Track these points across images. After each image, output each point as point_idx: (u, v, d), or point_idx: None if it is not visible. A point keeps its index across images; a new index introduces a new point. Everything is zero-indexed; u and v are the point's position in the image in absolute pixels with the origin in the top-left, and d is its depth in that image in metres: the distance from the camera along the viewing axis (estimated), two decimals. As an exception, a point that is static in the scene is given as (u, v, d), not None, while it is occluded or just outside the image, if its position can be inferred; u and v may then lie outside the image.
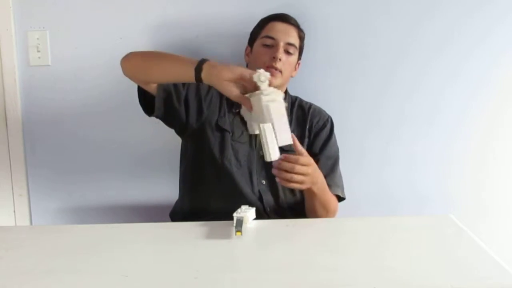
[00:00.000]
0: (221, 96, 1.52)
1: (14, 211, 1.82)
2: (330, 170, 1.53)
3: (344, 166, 1.57)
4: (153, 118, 1.46)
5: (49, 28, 1.72)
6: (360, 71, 1.74)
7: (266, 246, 1.17)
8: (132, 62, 1.37)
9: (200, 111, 1.50)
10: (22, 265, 1.05)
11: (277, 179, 1.27)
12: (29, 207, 1.83)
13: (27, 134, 1.78)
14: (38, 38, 1.72)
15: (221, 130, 1.49)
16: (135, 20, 1.71)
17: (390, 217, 1.41)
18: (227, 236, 1.17)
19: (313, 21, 1.68)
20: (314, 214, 1.45)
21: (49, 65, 1.74)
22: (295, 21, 1.57)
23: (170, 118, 1.48)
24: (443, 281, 0.96)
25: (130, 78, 1.39)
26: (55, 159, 1.80)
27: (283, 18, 1.55)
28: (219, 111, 1.52)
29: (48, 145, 1.79)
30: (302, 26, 1.58)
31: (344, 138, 1.62)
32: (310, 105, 1.61)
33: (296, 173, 1.25)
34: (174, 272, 1.03)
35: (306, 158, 1.27)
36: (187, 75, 1.21)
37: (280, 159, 1.21)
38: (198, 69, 1.19)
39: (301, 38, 1.57)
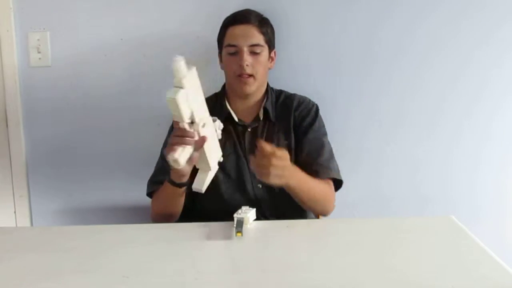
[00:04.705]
0: None
1: (15, 212, 1.82)
2: (316, 153, 1.48)
3: (343, 166, 1.57)
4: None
5: (50, 29, 1.72)
6: (359, 70, 1.74)
7: (266, 247, 1.17)
8: (157, 218, 1.48)
9: None
10: (22, 266, 1.05)
11: (256, 175, 1.27)
12: (29, 208, 1.83)
13: (28, 135, 1.78)
14: (38, 39, 1.72)
15: None
16: (136, 21, 1.71)
17: (390, 218, 1.41)
18: (228, 236, 1.17)
19: (309, 17, 1.69)
20: (309, 208, 1.44)
21: (49, 66, 1.74)
22: (256, 15, 1.51)
23: None
24: (444, 282, 0.96)
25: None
26: (56, 160, 1.80)
27: (240, 19, 1.50)
28: None
29: (48, 146, 1.79)
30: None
31: (343, 138, 1.63)
32: (295, 96, 1.58)
33: (274, 166, 1.22)
34: (174, 272, 1.03)
35: (280, 151, 1.23)
36: (176, 192, 1.35)
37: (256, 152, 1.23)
38: (178, 185, 1.33)
39: (264, 33, 1.50)
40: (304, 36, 1.70)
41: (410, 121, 1.77)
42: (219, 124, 1.29)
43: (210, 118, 1.26)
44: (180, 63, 1.14)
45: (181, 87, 1.12)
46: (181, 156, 1.18)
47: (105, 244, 1.17)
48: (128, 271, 1.02)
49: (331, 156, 1.51)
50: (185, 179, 1.31)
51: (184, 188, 1.34)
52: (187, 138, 1.17)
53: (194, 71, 1.17)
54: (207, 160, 1.25)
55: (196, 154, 1.21)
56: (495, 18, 1.70)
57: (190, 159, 1.20)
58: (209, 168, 1.26)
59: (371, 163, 1.79)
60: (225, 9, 1.62)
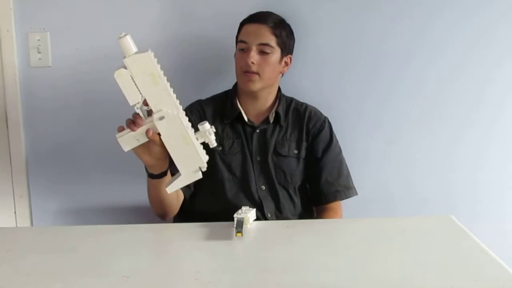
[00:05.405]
0: (202, 116, 1.52)
1: (15, 212, 1.82)
2: (338, 174, 1.54)
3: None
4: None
5: (50, 29, 1.72)
6: (361, 71, 1.74)
7: (266, 247, 1.17)
8: (156, 212, 1.46)
9: None
10: (22, 266, 1.05)
11: None
12: (29, 208, 1.83)
13: (28, 135, 1.78)
14: (38, 40, 1.72)
15: (209, 149, 1.42)
16: (136, 21, 1.71)
17: (390, 218, 1.41)
18: (228, 237, 1.17)
19: (315, 19, 1.69)
20: None
21: (49, 66, 1.74)
22: (273, 17, 1.52)
23: None
24: (443, 282, 0.97)
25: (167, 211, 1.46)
26: (56, 160, 1.80)
27: (255, 18, 1.51)
28: None
29: (48, 146, 1.79)
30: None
31: (344, 139, 1.62)
32: (306, 106, 1.59)
33: None
34: (174, 273, 1.03)
35: None
36: (154, 184, 1.33)
37: None
38: (150, 176, 1.32)
39: (278, 35, 1.49)
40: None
41: (413, 123, 1.77)
42: (209, 129, 1.18)
43: (180, 114, 1.16)
44: (121, 41, 1.08)
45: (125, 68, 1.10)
46: (122, 138, 1.17)
47: (105, 244, 1.17)
48: (128, 271, 1.02)
49: (348, 171, 1.57)
50: (155, 171, 1.29)
51: (160, 180, 1.31)
52: (131, 124, 1.19)
53: (147, 55, 1.10)
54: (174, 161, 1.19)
55: (157, 148, 1.19)
56: (492, 19, 1.70)
57: (148, 150, 1.20)
58: (179, 172, 1.20)
59: (374, 164, 1.79)
60: (225, 9, 1.62)
